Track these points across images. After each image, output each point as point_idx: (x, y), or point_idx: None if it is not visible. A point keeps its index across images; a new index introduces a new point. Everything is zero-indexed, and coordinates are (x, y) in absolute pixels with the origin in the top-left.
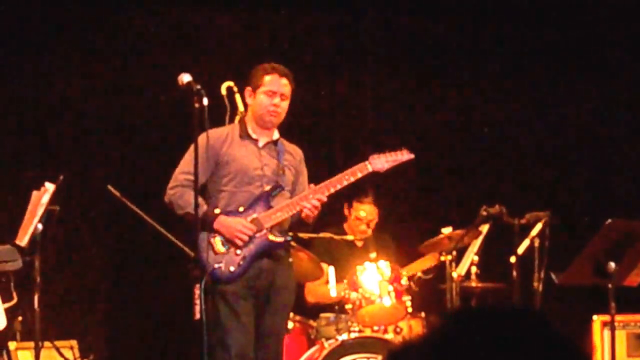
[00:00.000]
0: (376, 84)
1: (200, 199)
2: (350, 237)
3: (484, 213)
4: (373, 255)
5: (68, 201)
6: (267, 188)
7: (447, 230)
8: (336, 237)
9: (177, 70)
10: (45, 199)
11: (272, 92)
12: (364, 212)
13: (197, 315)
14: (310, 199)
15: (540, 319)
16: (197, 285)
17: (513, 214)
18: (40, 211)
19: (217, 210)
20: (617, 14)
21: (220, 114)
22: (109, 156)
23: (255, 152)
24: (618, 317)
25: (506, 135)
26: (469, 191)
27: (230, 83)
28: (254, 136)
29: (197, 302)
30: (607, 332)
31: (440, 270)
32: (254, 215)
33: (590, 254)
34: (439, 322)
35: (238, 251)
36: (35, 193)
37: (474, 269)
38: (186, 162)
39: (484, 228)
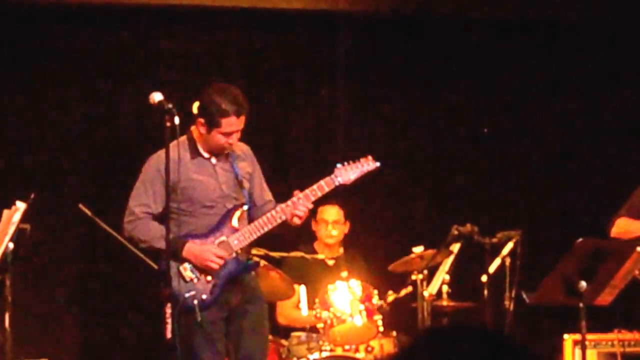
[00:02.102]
0: (346, 101)
1: (162, 228)
2: (321, 256)
3: (455, 232)
4: (344, 274)
5: (39, 220)
6: (230, 207)
7: (418, 250)
8: (307, 256)
9: (148, 89)
10: (17, 217)
11: (228, 134)
12: (328, 214)
13: (169, 335)
14: (279, 215)
15: (508, 340)
16: (169, 305)
17: (484, 233)
18: (11, 230)
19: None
20: (593, 32)
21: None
22: (80, 175)
23: (210, 172)
24: (589, 336)
25: (477, 154)
26: (440, 210)
27: None
28: (205, 155)
29: (169, 321)
30: (578, 352)
31: (411, 289)
32: (222, 238)
33: (561, 273)
34: (409, 342)
35: (209, 277)
36: (6, 212)
37: (445, 288)
38: (139, 193)
39: (455, 247)
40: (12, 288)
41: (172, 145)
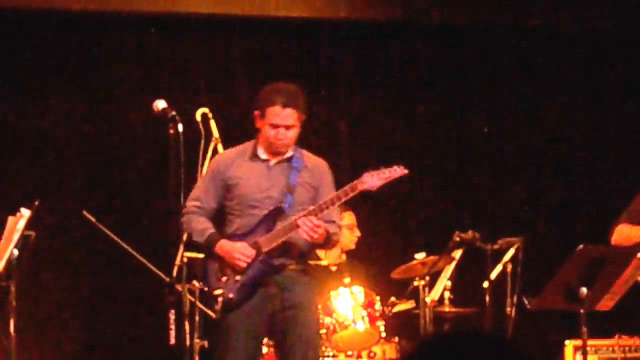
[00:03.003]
0: (348, 108)
1: (206, 223)
2: (324, 262)
3: (457, 238)
4: (347, 280)
5: (43, 227)
6: (269, 210)
7: (420, 256)
8: (310, 262)
9: (152, 96)
10: (21, 224)
11: (275, 125)
12: (352, 219)
13: (172, 340)
14: (301, 222)
15: (511, 345)
16: (172, 310)
17: (486, 240)
18: (15, 237)
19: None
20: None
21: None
22: (84, 181)
23: (263, 173)
24: (590, 342)
25: (479, 160)
26: (442, 216)
27: (205, 109)
28: (263, 157)
29: (172, 327)
30: (579, 357)
31: (413, 296)
32: (255, 239)
33: (562, 279)
34: (412, 347)
35: (237, 277)
36: (10, 219)
37: (447, 294)
38: (196, 187)
39: (457, 253)
40: (17, 294)
41: (238, 146)
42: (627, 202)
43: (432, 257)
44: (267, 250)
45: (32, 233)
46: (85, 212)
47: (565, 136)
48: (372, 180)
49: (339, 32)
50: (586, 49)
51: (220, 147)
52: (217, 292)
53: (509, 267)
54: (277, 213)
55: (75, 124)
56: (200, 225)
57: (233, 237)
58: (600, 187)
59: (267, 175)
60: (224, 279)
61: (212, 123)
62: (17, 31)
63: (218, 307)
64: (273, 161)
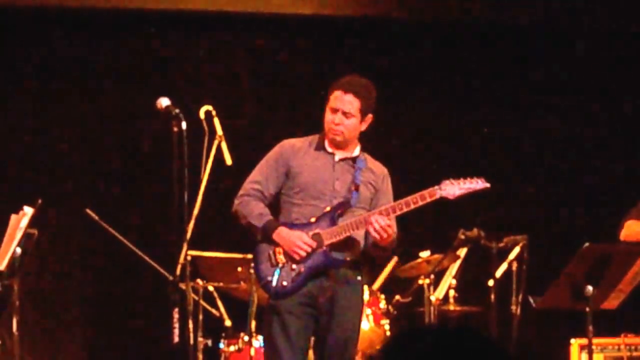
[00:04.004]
0: None
1: (265, 208)
2: None
3: (462, 237)
4: None
5: (46, 225)
6: (335, 204)
7: (425, 254)
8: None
9: (155, 94)
10: (24, 222)
11: (334, 110)
12: None
13: (176, 339)
14: (373, 219)
15: (479, 338)
16: (176, 309)
17: (491, 238)
18: (18, 235)
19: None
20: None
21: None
22: (87, 180)
23: (328, 166)
24: (596, 341)
25: (483, 158)
26: (446, 214)
27: (209, 107)
28: (329, 150)
29: (176, 325)
30: (585, 356)
31: (418, 294)
32: (317, 231)
33: (568, 278)
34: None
35: (294, 266)
36: (13, 217)
37: (452, 293)
38: (257, 170)
39: (462, 252)
40: (20, 292)
41: (306, 137)
42: (634, 200)
43: (437, 256)
44: (328, 243)
45: (35, 231)
46: (88, 210)
47: (572, 134)
48: (452, 188)
49: (344, 29)
50: (592, 48)
51: (223, 145)
52: (269, 278)
53: (515, 266)
54: (344, 208)
55: (79, 121)
56: (258, 210)
57: (290, 226)
58: (606, 185)
59: (331, 168)
60: (279, 266)
61: (216, 121)
62: (18, 29)
63: (269, 293)
64: (338, 157)
